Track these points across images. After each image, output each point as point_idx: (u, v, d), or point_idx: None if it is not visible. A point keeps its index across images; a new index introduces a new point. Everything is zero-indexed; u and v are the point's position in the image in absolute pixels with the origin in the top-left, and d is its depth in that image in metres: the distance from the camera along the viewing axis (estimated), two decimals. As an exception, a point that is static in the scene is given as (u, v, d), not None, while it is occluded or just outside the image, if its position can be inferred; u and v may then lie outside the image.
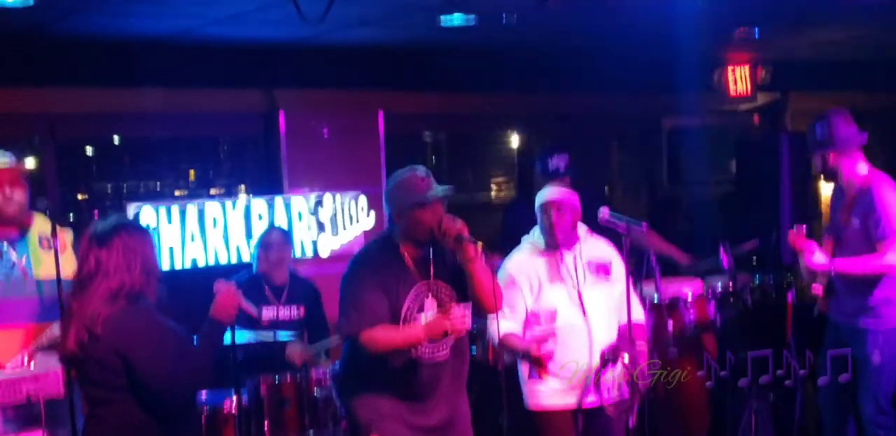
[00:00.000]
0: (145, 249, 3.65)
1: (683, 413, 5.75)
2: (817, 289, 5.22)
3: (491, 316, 4.58)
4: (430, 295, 4.11)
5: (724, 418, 5.81)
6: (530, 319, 4.67)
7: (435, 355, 4.13)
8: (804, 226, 5.15)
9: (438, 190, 4.06)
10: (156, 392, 3.50)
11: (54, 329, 4.05)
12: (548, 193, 4.77)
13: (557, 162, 6.29)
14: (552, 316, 4.62)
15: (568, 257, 4.72)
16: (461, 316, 3.95)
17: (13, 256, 4.34)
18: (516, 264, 4.72)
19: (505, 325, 4.59)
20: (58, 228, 4.36)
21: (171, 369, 3.50)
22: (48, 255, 4.17)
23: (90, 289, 3.55)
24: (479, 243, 4.00)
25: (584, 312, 4.64)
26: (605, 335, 4.66)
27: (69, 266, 3.81)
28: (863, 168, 5.23)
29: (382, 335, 4.01)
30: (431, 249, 4.12)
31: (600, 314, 4.67)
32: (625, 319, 4.73)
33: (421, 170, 4.13)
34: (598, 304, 4.68)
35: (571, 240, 4.74)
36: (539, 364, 4.50)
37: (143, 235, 3.70)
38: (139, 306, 3.58)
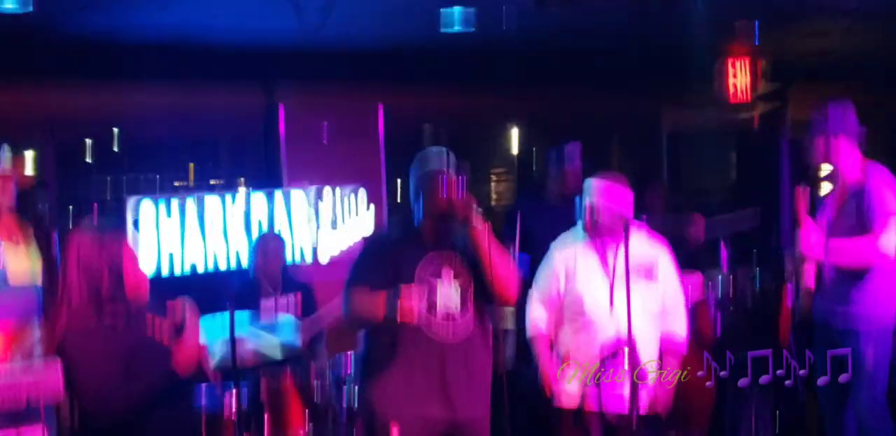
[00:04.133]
0: (101, 255, 3.59)
1: (684, 413, 5.74)
2: (809, 279, 5.19)
3: (531, 293, 4.66)
4: (446, 264, 4.10)
5: (724, 418, 5.81)
6: (560, 306, 4.65)
7: (450, 335, 4.09)
8: (808, 188, 5.12)
9: (443, 163, 4.15)
10: (83, 407, 3.52)
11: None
12: (590, 191, 4.68)
13: (572, 150, 6.29)
14: (580, 306, 4.60)
15: (611, 250, 4.64)
16: (409, 308, 3.94)
17: None
18: (561, 248, 4.70)
19: (539, 316, 4.65)
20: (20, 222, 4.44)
21: (106, 389, 3.50)
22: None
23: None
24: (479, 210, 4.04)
25: (611, 307, 4.58)
26: (637, 336, 4.50)
27: (23, 260, 3.96)
28: (859, 158, 5.24)
29: (358, 296, 4.06)
30: (451, 225, 4.12)
31: (630, 314, 4.46)
32: (668, 326, 4.72)
33: (437, 148, 4.26)
34: (631, 303, 4.48)
35: (617, 233, 4.58)
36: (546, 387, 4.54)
37: (102, 241, 3.63)
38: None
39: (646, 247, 4.71)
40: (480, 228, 4.02)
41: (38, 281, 4.31)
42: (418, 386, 4.07)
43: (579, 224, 4.76)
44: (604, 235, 4.65)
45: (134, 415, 3.65)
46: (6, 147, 4.45)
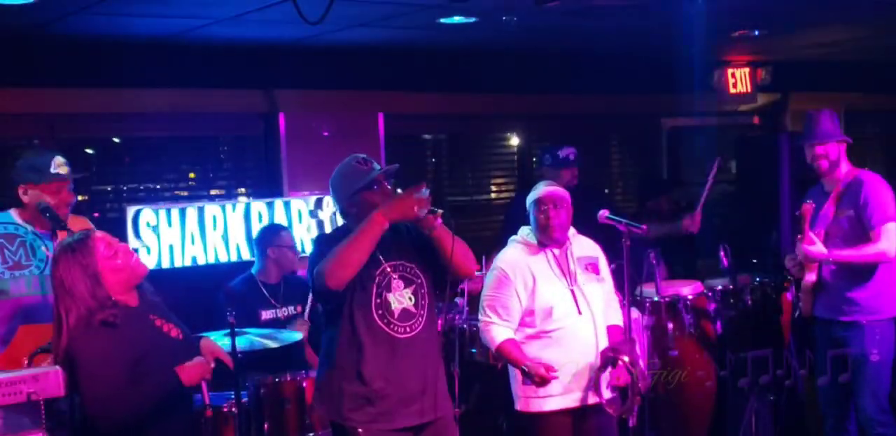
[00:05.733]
0: (74, 272, 3.78)
1: (684, 413, 5.75)
2: (810, 278, 5.21)
3: (483, 319, 4.61)
4: (396, 275, 4.04)
5: (725, 418, 5.82)
6: (525, 319, 4.62)
7: (408, 330, 4.03)
8: (813, 204, 5.13)
9: (379, 169, 4.04)
10: (89, 411, 3.72)
11: None
12: (543, 189, 4.73)
13: (567, 152, 6.43)
14: (548, 314, 4.59)
15: (560, 255, 4.69)
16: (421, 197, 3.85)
17: (49, 253, 4.40)
18: (508, 262, 4.66)
19: (500, 330, 4.59)
20: (71, 219, 4.54)
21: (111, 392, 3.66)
22: None
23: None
24: (440, 211, 3.92)
25: (578, 310, 4.61)
26: (601, 333, 4.65)
27: None
28: (849, 164, 5.31)
29: (337, 249, 3.88)
30: (392, 230, 3.99)
31: (594, 311, 4.64)
32: (610, 317, 4.73)
33: (360, 155, 4.11)
34: (592, 301, 4.65)
35: (562, 239, 4.70)
36: (536, 382, 4.49)
37: (73, 257, 3.80)
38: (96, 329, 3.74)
39: (587, 246, 4.79)
40: (433, 224, 3.92)
41: None
42: (380, 385, 4.00)
43: (520, 238, 4.75)
44: (552, 243, 4.68)
45: (140, 419, 3.72)
46: (58, 155, 4.51)
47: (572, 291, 4.63)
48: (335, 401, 4.05)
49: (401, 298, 4.03)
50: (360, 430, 3.99)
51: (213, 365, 3.97)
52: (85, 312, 3.73)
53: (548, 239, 4.66)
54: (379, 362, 4.00)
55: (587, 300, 4.64)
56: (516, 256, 4.67)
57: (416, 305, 4.06)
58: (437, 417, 4.10)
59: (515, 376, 4.63)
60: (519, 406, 4.67)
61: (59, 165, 4.47)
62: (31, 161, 4.55)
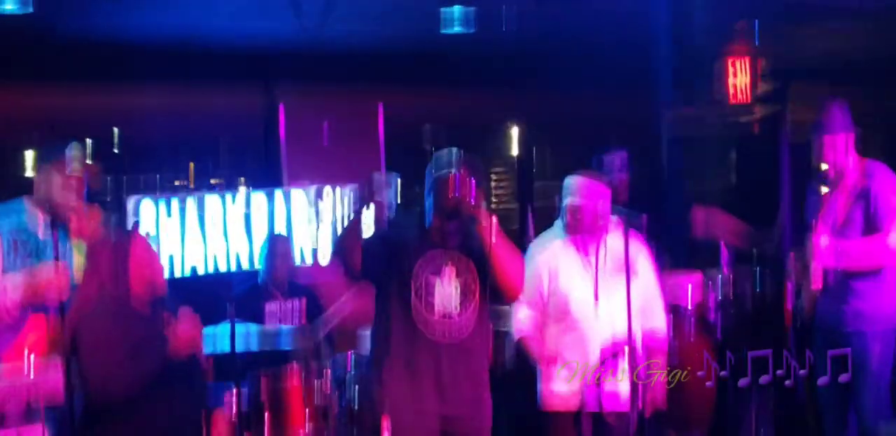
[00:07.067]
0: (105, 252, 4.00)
1: (684, 413, 5.75)
2: (817, 281, 5.19)
3: (509, 308, 4.67)
4: (449, 263, 4.13)
5: (725, 418, 5.81)
6: (547, 302, 4.68)
7: (445, 335, 4.11)
8: (821, 194, 5.12)
9: (452, 164, 4.15)
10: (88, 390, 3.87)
11: None
12: (570, 191, 4.70)
13: (614, 158, 6.21)
14: (566, 300, 4.64)
15: (591, 248, 4.70)
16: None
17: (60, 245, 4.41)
18: (539, 248, 4.74)
19: (521, 314, 4.68)
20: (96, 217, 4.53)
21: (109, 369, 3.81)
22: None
23: None
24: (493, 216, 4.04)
25: (596, 305, 4.64)
26: (620, 326, 4.58)
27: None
28: (858, 157, 5.27)
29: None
30: (460, 224, 4.16)
31: (615, 309, 4.59)
32: (648, 322, 4.73)
33: (451, 149, 4.24)
34: (615, 298, 4.59)
35: (598, 231, 4.69)
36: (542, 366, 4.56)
37: (111, 242, 4.04)
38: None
39: (631, 241, 4.72)
40: (486, 223, 4.03)
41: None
42: (415, 384, 4.09)
43: (558, 224, 4.80)
44: (584, 234, 4.69)
45: (136, 397, 3.83)
46: (74, 145, 4.50)
47: (595, 285, 4.65)
48: (370, 387, 4.21)
49: (447, 289, 4.10)
50: (390, 416, 4.05)
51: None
52: (97, 289, 3.92)
53: (575, 229, 4.68)
54: (405, 349, 4.09)
55: (609, 296, 4.62)
56: (548, 244, 4.74)
57: (462, 302, 4.12)
58: (465, 419, 4.14)
59: (539, 376, 4.67)
60: (541, 405, 4.71)
61: (74, 148, 4.48)
62: (50, 144, 4.64)
